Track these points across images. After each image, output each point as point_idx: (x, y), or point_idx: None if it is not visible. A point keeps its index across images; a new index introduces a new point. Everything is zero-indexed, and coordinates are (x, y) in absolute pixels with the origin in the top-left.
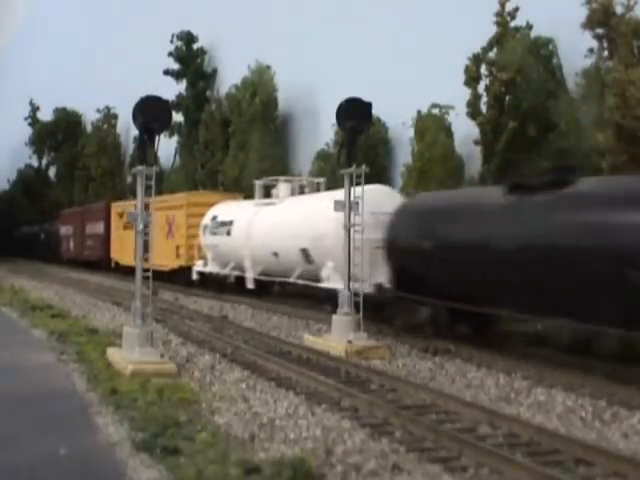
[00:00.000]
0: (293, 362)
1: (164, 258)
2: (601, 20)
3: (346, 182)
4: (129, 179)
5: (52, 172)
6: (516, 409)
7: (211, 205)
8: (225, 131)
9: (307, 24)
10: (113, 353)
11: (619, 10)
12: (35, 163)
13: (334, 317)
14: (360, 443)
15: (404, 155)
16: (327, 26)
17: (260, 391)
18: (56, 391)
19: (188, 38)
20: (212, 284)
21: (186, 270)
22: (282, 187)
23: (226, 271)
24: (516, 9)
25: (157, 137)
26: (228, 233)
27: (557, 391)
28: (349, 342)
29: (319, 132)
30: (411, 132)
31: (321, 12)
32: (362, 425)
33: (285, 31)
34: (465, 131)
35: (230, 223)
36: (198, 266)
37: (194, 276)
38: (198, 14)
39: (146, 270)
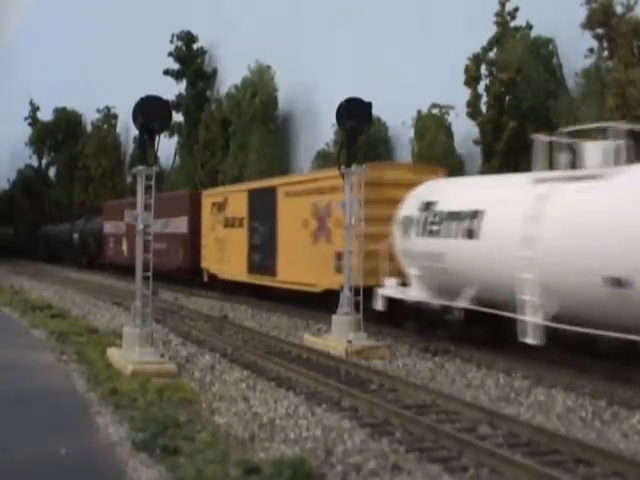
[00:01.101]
0: (293, 362)
1: (308, 272)
2: (601, 20)
3: (346, 182)
4: (129, 179)
5: (52, 172)
6: (516, 409)
7: (408, 185)
8: (225, 131)
9: (307, 24)
10: (113, 353)
11: (619, 10)
12: (35, 163)
13: (334, 317)
14: (360, 443)
15: (404, 155)
16: (327, 26)
17: (260, 391)
18: (56, 391)
19: (188, 38)
20: (414, 321)
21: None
22: (595, 149)
23: (458, 303)
24: (516, 9)
25: (157, 137)
26: (470, 234)
27: (557, 391)
28: (349, 342)
29: (319, 132)
30: (411, 132)
31: (321, 12)
32: (362, 425)
33: (285, 31)
34: (465, 131)
35: (474, 215)
36: (389, 288)
37: (378, 305)
38: (198, 14)
39: (147, 270)
